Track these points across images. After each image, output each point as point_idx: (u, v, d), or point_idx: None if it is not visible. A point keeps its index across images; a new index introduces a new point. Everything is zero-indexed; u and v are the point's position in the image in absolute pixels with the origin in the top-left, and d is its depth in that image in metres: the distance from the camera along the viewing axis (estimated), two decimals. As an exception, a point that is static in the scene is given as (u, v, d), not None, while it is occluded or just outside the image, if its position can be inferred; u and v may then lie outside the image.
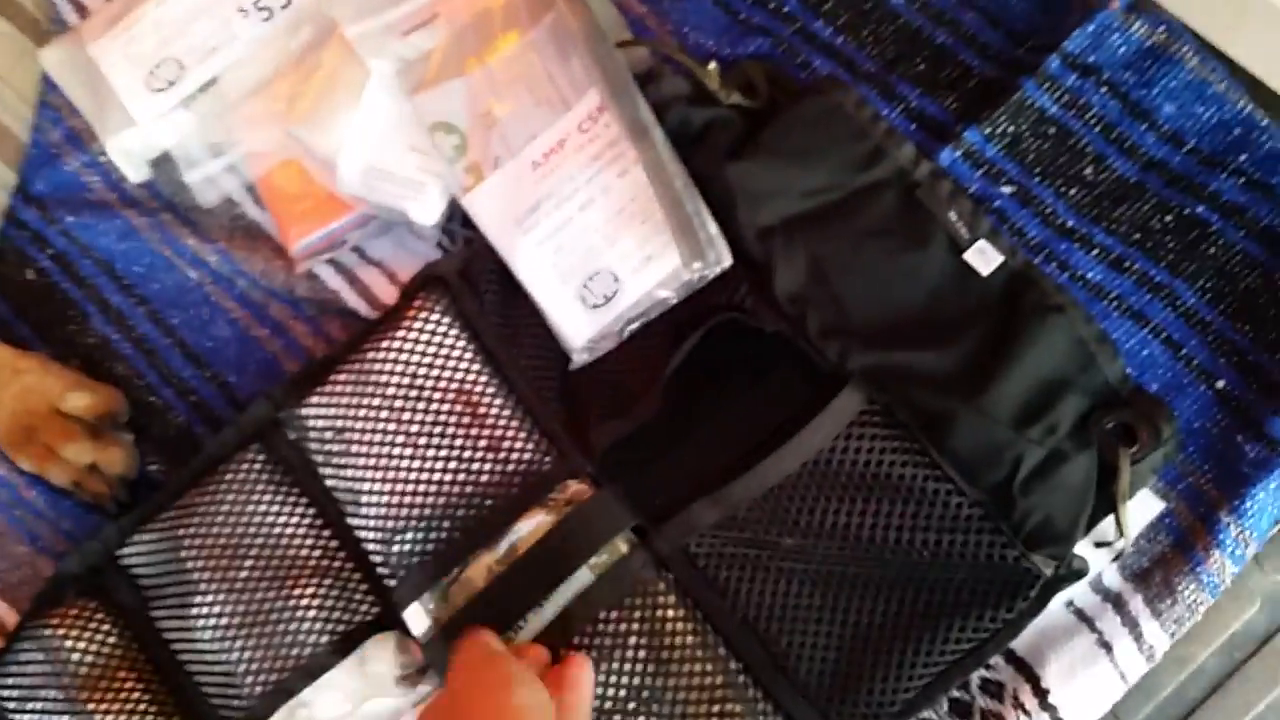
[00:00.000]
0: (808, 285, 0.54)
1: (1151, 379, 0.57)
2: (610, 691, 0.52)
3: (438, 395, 0.55)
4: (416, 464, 0.55)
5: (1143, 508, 0.54)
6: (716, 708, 0.51)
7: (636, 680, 0.52)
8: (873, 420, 0.52)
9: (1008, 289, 0.54)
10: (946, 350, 0.52)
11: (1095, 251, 0.59)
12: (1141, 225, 0.59)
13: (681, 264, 0.54)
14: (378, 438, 0.55)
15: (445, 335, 0.56)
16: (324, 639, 0.55)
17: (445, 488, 0.54)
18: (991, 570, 0.50)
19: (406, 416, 0.55)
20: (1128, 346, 0.57)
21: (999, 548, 0.50)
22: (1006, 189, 0.60)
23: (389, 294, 0.63)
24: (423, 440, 0.55)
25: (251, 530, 0.57)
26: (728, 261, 0.54)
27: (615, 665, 0.52)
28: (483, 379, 0.56)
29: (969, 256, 0.54)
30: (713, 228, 0.54)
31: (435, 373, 0.56)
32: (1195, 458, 0.56)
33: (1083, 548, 0.52)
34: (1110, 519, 0.52)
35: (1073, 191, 0.60)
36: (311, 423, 0.57)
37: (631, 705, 0.51)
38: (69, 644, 0.58)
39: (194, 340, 0.65)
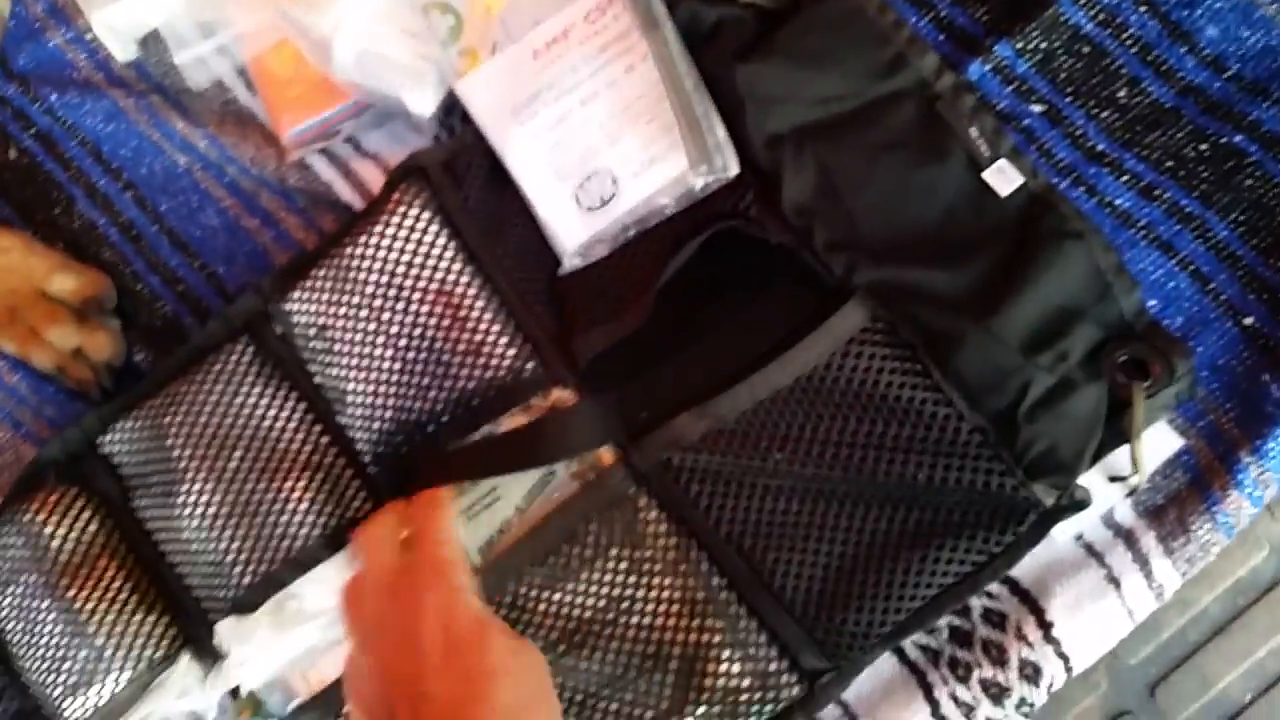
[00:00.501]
0: (816, 197, 0.51)
1: (1176, 312, 0.55)
2: (590, 601, 0.51)
3: (417, 295, 0.53)
4: (397, 365, 0.53)
5: (1160, 443, 0.52)
6: (697, 621, 0.50)
7: (616, 591, 0.51)
8: (874, 338, 0.50)
9: (1026, 211, 0.51)
10: (958, 270, 0.50)
11: (1125, 178, 0.56)
12: (1175, 153, 0.56)
13: (687, 169, 0.51)
14: (359, 337, 0.54)
15: (425, 231, 0.54)
16: (315, 532, 0.54)
17: (426, 390, 0.53)
18: (988, 497, 0.49)
19: (386, 316, 0.53)
20: (1154, 278, 0.55)
21: (997, 475, 0.49)
22: (1036, 108, 0.57)
23: (382, 187, 0.61)
24: (403, 341, 0.53)
25: (240, 423, 0.55)
26: (735, 170, 0.52)
27: (595, 575, 0.51)
28: (464, 279, 0.54)
29: (988, 175, 0.52)
30: (721, 133, 0.51)
31: (414, 270, 0.54)
32: (1218, 395, 0.54)
33: (1096, 482, 0.51)
34: (1125, 453, 0.50)
35: (1105, 114, 0.57)
36: (296, 319, 0.55)
37: (610, 615, 0.51)
38: (49, 529, 0.57)
39: (182, 228, 0.63)
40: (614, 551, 0.51)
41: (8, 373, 0.64)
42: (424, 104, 0.56)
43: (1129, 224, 0.55)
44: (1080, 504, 0.50)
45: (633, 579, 0.51)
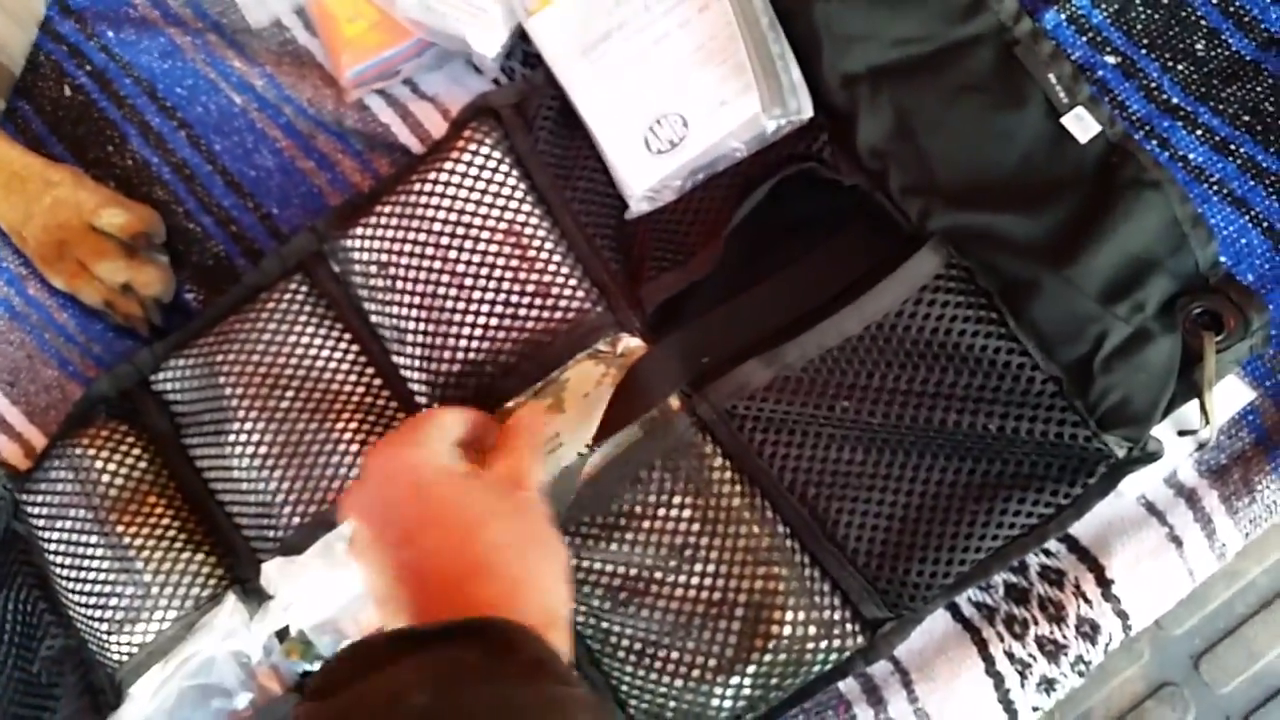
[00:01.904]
0: (892, 139, 0.50)
1: (1247, 269, 0.54)
2: (652, 549, 0.50)
3: (485, 234, 0.53)
4: (461, 304, 0.52)
5: (1231, 396, 0.51)
6: (762, 569, 0.49)
7: (679, 540, 0.50)
8: (949, 285, 0.49)
9: (1103, 160, 0.50)
10: (1035, 216, 0.49)
11: (1199, 132, 0.55)
12: (1252, 107, 0.54)
13: (760, 112, 0.50)
14: (422, 275, 0.53)
15: (495, 171, 0.53)
16: None
17: (490, 330, 0.52)
18: (1060, 448, 0.48)
19: (452, 255, 0.52)
20: (1225, 234, 0.54)
21: (1070, 426, 0.48)
22: (1110, 59, 0.56)
23: (442, 130, 0.60)
24: (469, 280, 0.52)
25: (293, 362, 0.55)
26: (809, 113, 0.51)
27: (659, 523, 0.50)
28: (533, 220, 0.53)
29: (1066, 122, 0.51)
30: (796, 75, 0.50)
31: (483, 210, 0.53)
32: (1288, 354, 0.53)
33: (1166, 436, 0.50)
34: (1193, 407, 0.50)
35: (1181, 66, 0.55)
36: (356, 255, 0.55)
37: (673, 563, 0.50)
38: (99, 464, 0.57)
39: (236, 168, 0.63)
40: (678, 499, 0.50)
41: (56, 310, 0.64)
42: (489, 44, 0.56)
43: (1201, 179, 0.54)
44: (1153, 455, 0.49)
45: (696, 526, 0.50)
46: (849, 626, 0.50)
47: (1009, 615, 0.53)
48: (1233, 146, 0.54)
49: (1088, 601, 0.52)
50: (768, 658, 0.49)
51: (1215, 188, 0.54)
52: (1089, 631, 0.52)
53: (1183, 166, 0.55)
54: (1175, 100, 0.55)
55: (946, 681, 0.52)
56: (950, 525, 0.49)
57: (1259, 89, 0.55)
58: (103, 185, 0.62)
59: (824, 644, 0.49)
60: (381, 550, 0.43)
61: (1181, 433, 0.51)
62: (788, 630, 0.49)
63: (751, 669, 0.49)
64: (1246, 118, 0.54)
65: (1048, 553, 0.53)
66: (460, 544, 0.42)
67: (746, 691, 0.49)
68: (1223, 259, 0.53)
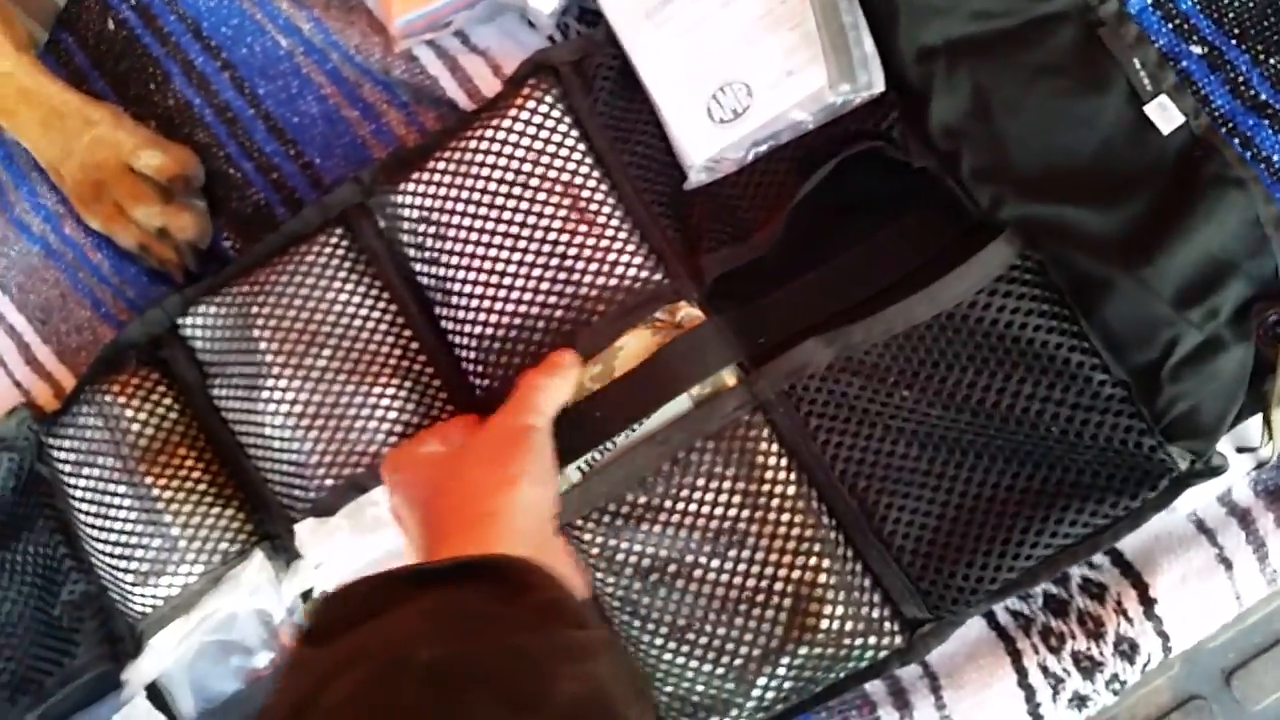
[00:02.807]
0: (967, 119, 0.48)
1: (1328, 280, 0.51)
2: (695, 532, 0.49)
3: (543, 192, 0.51)
4: (514, 263, 0.51)
5: None
6: (801, 560, 0.48)
7: (723, 521, 0.49)
8: (1022, 278, 0.47)
9: (1186, 153, 0.48)
10: (1112, 210, 0.47)
11: (1288, 132, 0.52)
12: (1345, 108, 0.52)
13: (827, 84, 0.48)
14: (475, 231, 0.51)
15: (555, 129, 0.51)
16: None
17: (544, 290, 0.51)
18: (1122, 456, 0.47)
19: (508, 212, 0.51)
20: None
21: (1135, 434, 0.46)
22: (1196, 49, 0.53)
23: (492, 86, 0.58)
24: (524, 238, 0.51)
25: (330, 319, 0.54)
26: (880, 87, 0.49)
27: (703, 504, 0.49)
28: (591, 181, 0.51)
29: (1149, 111, 0.48)
30: (869, 46, 0.48)
31: (541, 167, 0.51)
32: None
33: (1223, 451, 0.48)
34: (1255, 423, 0.48)
35: (1273, 60, 0.53)
36: (405, 210, 0.53)
37: (715, 547, 0.49)
38: (129, 413, 0.56)
39: (280, 114, 0.61)
40: (726, 482, 0.49)
41: (91, 250, 0.63)
42: (547, -1, 0.54)
43: (1284, 181, 0.52)
44: (1217, 470, 0.47)
45: (746, 511, 0.49)
46: (888, 625, 0.49)
47: (1046, 627, 0.51)
48: (1322, 149, 0.52)
49: (1129, 619, 0.50)
50: (803, 650, 0.48)
51: (1300, 192, 0.52)
52: (1127, 650, 0.50)
53: (1266, 168, 0.52)
54: (1263, 96, 0.52)
55: (976, 690, 0.51)
56: (1002, 530, 0.47)
57: (1354, 89, 0.52)
58: (142, 125, 0.61)
59: (861, 641, 0.48)
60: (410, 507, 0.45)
61: (1240, 449, 0.49)
62: (826, 624, 0.47)
63: (787, 660, 0.48)
64: (1338, 118, 0.52)
65: (1091, 565, 0.51)
66: (451, 488, 0.43)
67: (779, 683, 0.48)
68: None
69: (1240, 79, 0.53)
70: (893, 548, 0.49)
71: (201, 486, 0.56)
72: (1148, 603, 0.50)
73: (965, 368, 0.48)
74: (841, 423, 0.49)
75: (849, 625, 0.48)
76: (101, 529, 0.55)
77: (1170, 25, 0.53)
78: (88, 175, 0.60)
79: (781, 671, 0.48)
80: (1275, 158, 0.52)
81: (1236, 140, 0.52)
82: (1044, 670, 0.51)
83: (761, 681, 0.48)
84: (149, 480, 0.55)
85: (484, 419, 0.48)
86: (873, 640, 0.48)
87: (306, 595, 0.55)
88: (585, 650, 0.33)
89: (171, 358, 0.57)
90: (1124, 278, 0.46)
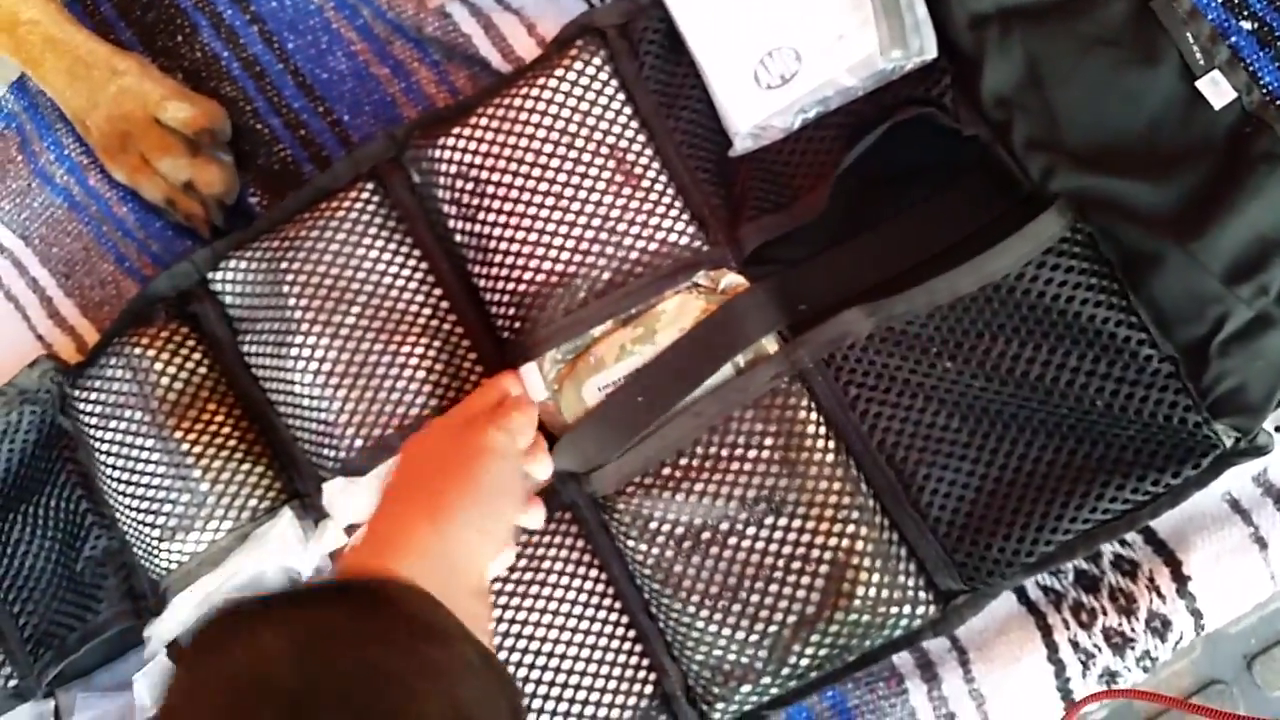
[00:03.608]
0: (1020, 88, 0.48)
1: (1374, 259, 0.50)
2: (734, 498, 0.49)
3: (587, 153, 0.50)
4: (555, 222, 0.50)
5: None
6: (839, 527, 0.48)
7: (760, 489, 0.49)
8: (1073, 249, 0.47)
9: (1237, 129, 0.48)
10: (1163, 184, 0.47)
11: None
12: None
13: (878, 50, 0.47)
14: (516, 188, 0.50)
15: (601, 91, 0.51)
16: (431, 401, 0.52)
17: (584, 251, 0.50)
18: (1166, 433, 0.46)
19: (551, 171, 0.50)
20: None
21: (1181, 409, 0.46)
22: (1246, 25, 0.52)
23: (526, 47, 0.57)
24: (566, 197, 0.50)
25: (361, 275, 0.53)
26: (932, 53, 0.48)
27: (745, 465, 0.49)
28: (636, 144, 0.51)
29: (1201, 85, 0.48)
30: (921, 10, 0.47)
31: (586, 128, 0.50)
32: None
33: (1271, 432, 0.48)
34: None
35: (1324, 38, 0.52)
36: (442, 165, 0.52)
37: (749, 514, 0.49)
38: (158, 366, 0.55)
39: (309, 69, 0.60)
40: (768, 442, 0.49)
41: (116, 204, 0.62)
42: (588, -44, 0.53)
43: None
44: (1261, 449, 0.47)
45: (785, 477, 0.48)
46: (923, 595, 0.49)
47: (1077, 602, 0.51)
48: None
49: (1161, 596, 0.50)
50: (840, 616, 0.48)
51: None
52: (1159, 627, 0.50)
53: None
54: (1316, 73, 0.52)
55: (1005, 664, 0.51)
56: (1040, 504, 0.47)
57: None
58: (169, 77, 0.60)
59: (896, 610, 0.48)
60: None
61: (1279, 428, 0.48)
62: (862, 592, 0.47)
63: (824, 627, 0.48)
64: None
65: (1123, 542, 0.51)
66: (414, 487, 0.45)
67: (814, 650, 0.48)
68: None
69: (1293, 54, 0.52)
70: (929, 519, 0.48)
71: (231, 443, 0.55)
72: (1181, 580, 0.50)
73: (1010, 339, 0.47)
74: (881, 393, 0.49)
75: (885, 594, 0.48)
76: (128, 483, 0.55)
77: (1221, 0, 0.52)
78: (114, 126, 0.59)
79: (816, 639, 0.48)
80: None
81: (1284, 119, 0.52)
82: (1074, 645, 0.51)
83: (796, 648, 0.48)
84: (178, 435, 0.54)
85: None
86: (907, 610, 0.48)
87: (335, 556, 0.55)
88: (449, 671, 0.33)
89: (201, 312, 0.57)
90: (1174, 252, 0.46)
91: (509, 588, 0.52)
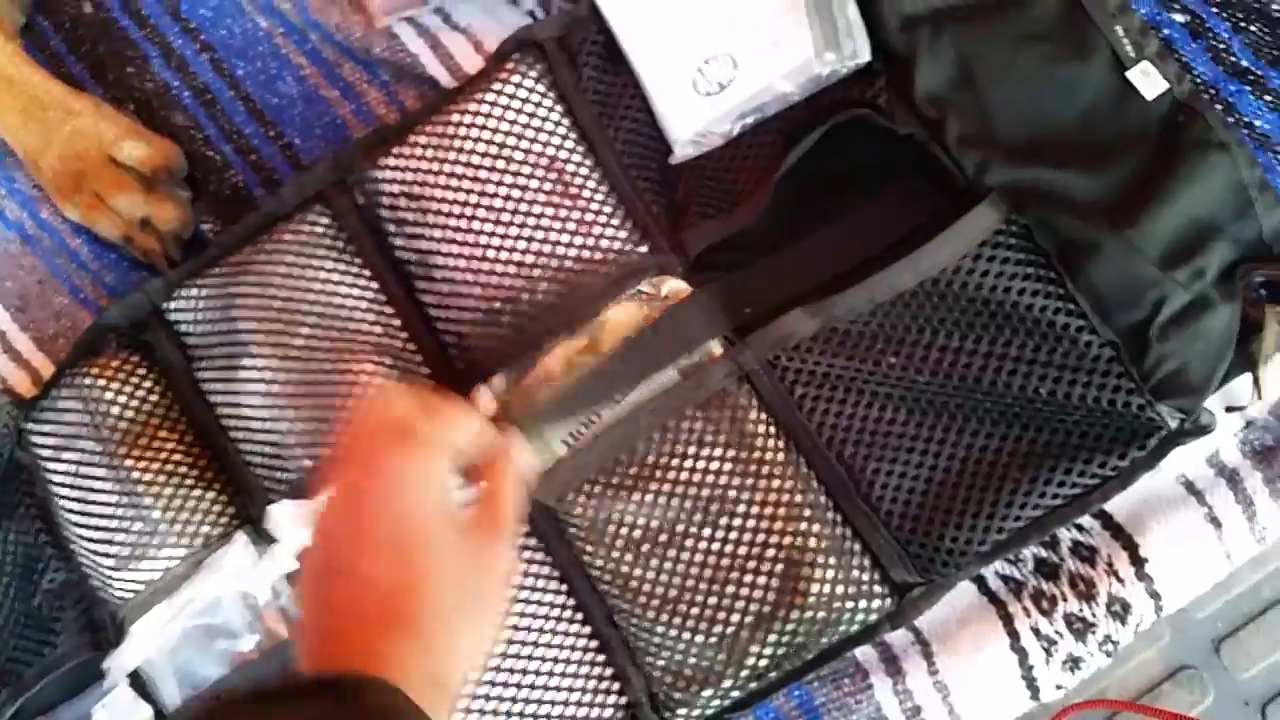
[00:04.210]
0: (952, 87, 0.48)
1: (1315, 246, 0.51)
2: (684, 501, 0.49)
3: (526, 167, 0.51)
4: (498, 237, 0.50)
5: None
6: (792, 525, 0.48)
7: (712, 492, 0.49)
8: (1007, 242, 0.47)
9: (1169, 118, 0.48)
10: (1097, 174, 0.47)
11: (1269, 98, 0.52)
12: (1325, 74, 0.52)
13: (813, 54, 0.48)
14: (457, 207, 0.51)
15: (539, 105, 0.51)
16: None
17: (527, 265, 0.50)
18: (1111, 417, 0.47)
19: (490, 187, 0.51)
20: None
21: (1124, 394, 0.46)
22: (1178, 17, 0.53)
23: (473, 63, 0.58)
24: (506, 214, 0.50)
25: (310, 296, 0.53)
26: (865, 56, 0.49)
27: (692, 474, 0.49)
28: (575, 156, 0.51)
29: (1132, 76, 0.49)
30: (853, 13, 0.48)
31: (524, 143, 0.51)
32: (1345, 337, 0.51)
33: (1215, 409, 0.48)
34: (1244, 382, 0.48)
35: (1253, 27, 0.53)
36: (385, 186, 0.53)
37: (705, 516, 0.49)
38: (109, 395, 0.55)
39: (259, 95, 0.61)
40: (714, 450, 0.49)
41: (69, 236, 0.62)
42: (529, -28, 0.53)
43: (1268, 147, 0.52)
44: (1204, 429, 0.47)
45: (735, 480, 0.49)
46: (878, 589, 0.49)
47: (1037, 590, 0.51)
48: (1304, 114, 0.52)
49: (1120, 580, 0.50)
50: (796, 614, 0.48)
51: (1281, 157, 0.52)
52: (1119, 611, 0.50)
53: (1249, 133, 0.52)
54: (1244, 63, 0.53)
55: (968, 655, 0.51)
56: (989, 493, 0.48)
57: (1334, 55, 0.52)
58: (123, 114, 0.60)
59: (852, 605, 0.48)
60: (318, 578, 0.39)
61: (1229, 409, 0.49)
62: (817, 589, 0.47)
63: (779, 626, 0.48)
64: (1320, 84, 0.52)
65: (1080, 528, 0.51)
66: (399, 584, 0.37)
67: (771, 650, 0.48)
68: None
69: (1222, 46, 0.53)
70: (881, 512, 0.49)
71: (183, 469, 0.55)
72: (1138, 563, 0.50)
73: (951, 333, 0.48)
74: (828, 391, 0.49)
75: (839, 590, 0.48)
76: (81, 513, 0.55)
77: (1152, -6, 0.53)
78: (67, 166, 0.59)
79: (774, 638, 0.48)
80: (1258, 123, 0.52)
81: (1220, 107, 0.53)
82: (1036, 633, 0.51)
83: (755, 649, 0.48)
84: (129, 463, 0.54)
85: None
86: (863, 604, 0.48)
87: (290, 578, 0.54)
88: None
89: (155, 341, 0.57)
90: (1110, 239, 0.46)
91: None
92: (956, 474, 0.48)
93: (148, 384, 0.56)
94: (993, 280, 0.47)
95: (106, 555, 0.54)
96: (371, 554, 0.38)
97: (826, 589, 0.47)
